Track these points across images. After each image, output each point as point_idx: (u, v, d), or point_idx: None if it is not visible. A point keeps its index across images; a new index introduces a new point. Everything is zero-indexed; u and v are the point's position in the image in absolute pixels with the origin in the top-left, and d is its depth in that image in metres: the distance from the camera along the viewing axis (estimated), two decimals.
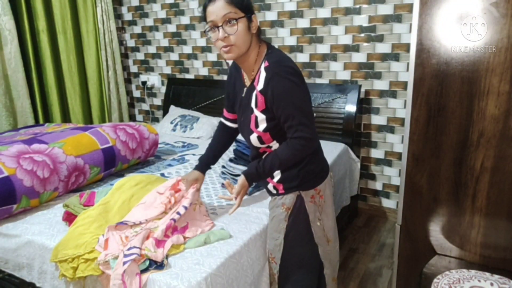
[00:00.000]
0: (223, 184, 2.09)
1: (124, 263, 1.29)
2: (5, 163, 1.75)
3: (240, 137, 2.66)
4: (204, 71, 3.66)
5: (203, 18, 1.34)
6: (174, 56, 3.79)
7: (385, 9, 2.71)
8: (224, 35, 1.28)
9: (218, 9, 1.27)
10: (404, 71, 2.75)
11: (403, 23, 2.68)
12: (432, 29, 1.47)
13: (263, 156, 1.48)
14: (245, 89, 1.44)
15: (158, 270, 1.36)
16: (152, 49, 3.91)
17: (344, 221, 2.83)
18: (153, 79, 3.97)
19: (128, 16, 3.95)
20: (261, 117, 1.35)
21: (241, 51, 1.32)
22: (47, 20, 3.31)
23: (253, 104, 1.36)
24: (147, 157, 2.50)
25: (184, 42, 3.68)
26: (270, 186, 1.54)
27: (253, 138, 1.42)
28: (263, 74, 1.31)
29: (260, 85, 1.32)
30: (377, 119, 2.92)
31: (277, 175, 1.47)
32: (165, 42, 3.79)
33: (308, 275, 1.54)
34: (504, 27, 1.36)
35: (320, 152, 1.53)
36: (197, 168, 1.69)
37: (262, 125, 1.37)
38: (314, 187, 1.47)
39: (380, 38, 2.77)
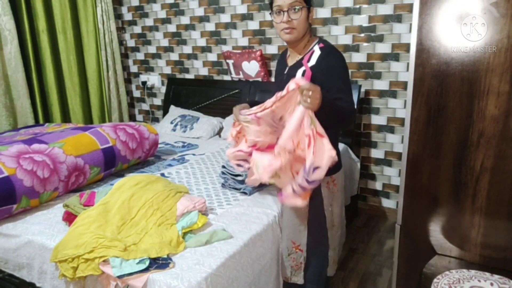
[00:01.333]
0: (223, 184, 2.09)
1: None
2: (5, 163, 1.75)
3: None
4: (204, 71, 3.66)
5: (270, 1, 1.53)
6: (174, 56, 3.79)
7: (385, 9, 2.71)
8: (288, 19, 1.45)
9: None
10: (404, 71, 2.74)
11: (403, 23, 2.67)
12: (432, 29, 1.47)
13: None
14: (287, 67, 1.60)
15: (159, 270, 1.36)
16: (152, 49, 3.91)
17: None
18: (153, 79, 3.97)
19: (128, 16, 3.95)
20: None
21: (299, 35, 1.50)
22: (47, 20, 3.31)
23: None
24: (147, 157, 2.50)
25: (184, 42, 3.68)
26: None
27: None
28: (317, 53, 1.50)
29: (311, 62, 1.49)
30: (377, 119, 2.92)
31: None
32: (165, 42, 3.79)
33: (325, 261, 1.67)
34: (504, 27, 1.36)
35: (337, 148, 1.66)
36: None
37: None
38: (330, 175, 1.59)
39: (380, 38, 2.77)
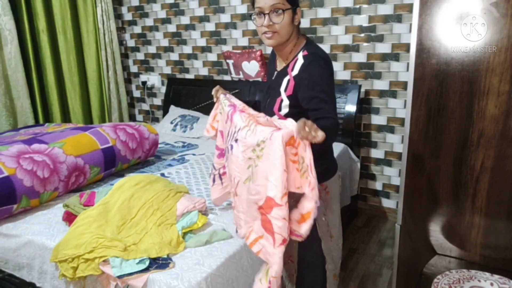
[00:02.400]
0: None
1: None
2: (5, 163, 1.75)
3: None
4: (204, 71, 3.66)
5: (251, 2, 1.42)
6: (174, 56, 3.79)
7: (385, 9, 2.71)
8: (269, 23, 1.35)
9: None
10: (404, 71, 2.74)
11: (403, 23, 2.67)
12: (432, 29, 1.47)
13: None
14: (275, 72, 1.52)
15: (159, 270, 1.36)
16: (152, 49, 3.91)
17: (344, 221, 2.82)
18: (153, 79, 3.96)
19: (128, 16, 3.95)
20: (286, 102, 1.41)
21: (282, 40, 1.39)
22: (47, 20, 3.31)
23: (282, 88, 1.43)
24: (147, 157, 2.50)
25: (184, 42, 3.68)
26: None
27: None
28: (300, 61, 1.39)
29: (295, 71, 1.39)
30: (377, 119, 2.92)
31: None
32: (165, 42, 3.79)
33: (322, 273, 1.57)
34: (504, 27, 1.36)
35: (330, 152, 1.59)
36: None
37: (285, 110, 1.43)
38: (320, 182, 1.46)
39: (380, 38, 2.77)
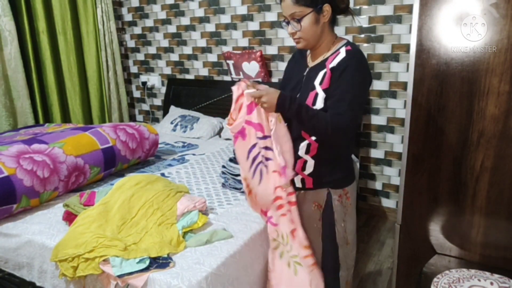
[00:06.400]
0: (223, 183, 2.09)
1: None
2: (5, 163, 1.75)
3: None
4: (204, 72, 3.67)
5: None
6: (174, 57, 3.79)
7: (385, 10, 2.71)
8: (292, 30, 1.39)
9: (286, 7, 1.37)
10: (404, 71, 2.75)
11: (403, 24, 2.68)
12: (432, 29, 1.48)
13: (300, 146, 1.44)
14: (307, 69, 1.48)
15: (159, 269, 1.36)
16: (152, 50, 3.91)
17: None
18: (153, 80, 3.97)
19: (128, 17, 3.96)
20: (321, 95, 1.38)
21: (309, 43, 1.41)
22: (47, 21, 3.32)
23: (317, 82, 1.40)
24: (147, 157, 2.50)
25: (184, 43, 3.68)
26: (297, 179, 1.47)
27: None
28: (342, 55, 1.37)
29: (333, 63, 1.37)
30: (377, 119, 2.92)
31: (310, 167, 1.44)
32: (165, 43, 3.80)
33: (335, 280, 1.54)
34: (504, 28, 1.36)
35: (351, 158, 1.57)
36: None
37: (319, 104, 1.38)
38: (343, 187, 1.48)
39: (380, 39, 2.77)
